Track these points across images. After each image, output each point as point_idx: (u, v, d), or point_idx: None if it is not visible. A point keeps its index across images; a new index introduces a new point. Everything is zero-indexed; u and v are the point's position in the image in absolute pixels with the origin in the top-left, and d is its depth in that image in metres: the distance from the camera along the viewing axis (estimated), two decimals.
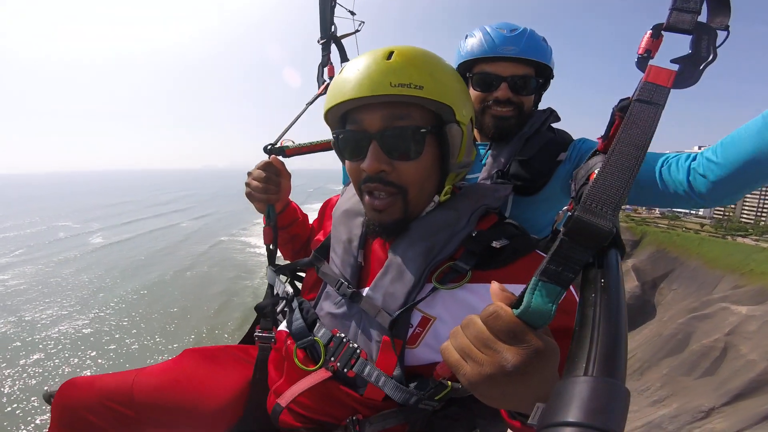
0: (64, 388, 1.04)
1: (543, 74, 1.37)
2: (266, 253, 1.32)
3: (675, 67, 0.68)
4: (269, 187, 1.24)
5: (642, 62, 0.72)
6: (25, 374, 26.41)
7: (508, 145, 1.35)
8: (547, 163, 1.29)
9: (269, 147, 1.31)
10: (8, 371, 26.80)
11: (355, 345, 0.91)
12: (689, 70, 0.68)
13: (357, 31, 1.68)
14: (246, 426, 1.11)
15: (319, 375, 0.93)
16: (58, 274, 48.94)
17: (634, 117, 0.58)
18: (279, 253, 1.37)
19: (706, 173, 0.99)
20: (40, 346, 30.54)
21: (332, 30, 1.61)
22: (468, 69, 1.35)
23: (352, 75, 0.83)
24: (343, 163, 1.00)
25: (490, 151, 1.39)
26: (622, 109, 0.77)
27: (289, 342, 1.01)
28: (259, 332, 1.20)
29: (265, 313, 1.20)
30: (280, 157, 1.32)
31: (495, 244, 0.86)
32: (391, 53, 0.83)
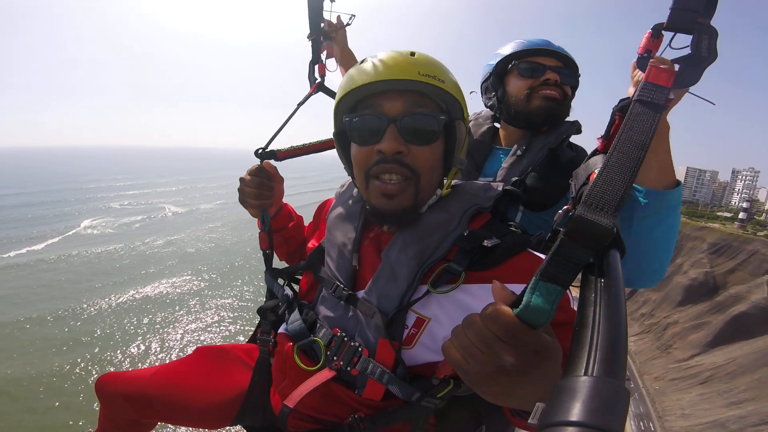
0: (98, 383, 1.23)
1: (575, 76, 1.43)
2: (263, 258, 1.33)
3: (675, 67, 0.68)
4: (263, 192, 1.25)
5: (642, 62, 0.73)
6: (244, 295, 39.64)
7: (531, 152, 1.38)
8: (564, 183, 1.26)
9: (260, 151, 1.29)
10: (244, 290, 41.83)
11: (356, 343, 0.93)
12: (690, 70, 0.68)
13: (348, 24, 1.61)
14: (241, 424, 1.20)
15: (323, 375, 0.94)
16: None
17: (635, 117, 0.57)
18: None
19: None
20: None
21: (322, 26, 1.55)
22: (509, 63, 1.43)
23: (379, 63, 0.88)
24: (341, 156, 1.02)
25: (506, 156, 1.42)
26: (622, 109, 0.79)
27: (289, 344, 1.03)
28: (259, 336, 1.25)
29: (267, 315, 1.23)
30: (272, 161, 1.30)
31: (486, 242, 0.86)
32: (412, 53, 0.89)
